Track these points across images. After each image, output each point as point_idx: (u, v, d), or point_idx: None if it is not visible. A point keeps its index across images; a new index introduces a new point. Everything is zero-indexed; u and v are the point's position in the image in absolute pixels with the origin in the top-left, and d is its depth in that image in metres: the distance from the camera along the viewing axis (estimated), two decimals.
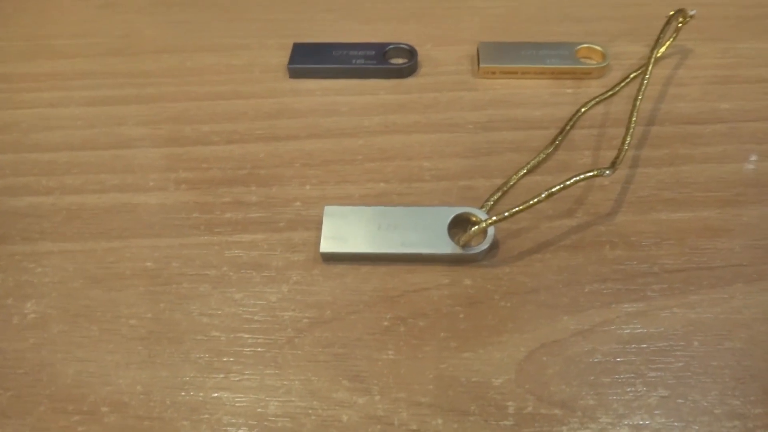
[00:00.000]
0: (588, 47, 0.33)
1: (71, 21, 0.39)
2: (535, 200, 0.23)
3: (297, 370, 0.22)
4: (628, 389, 0.21)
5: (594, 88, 0.32)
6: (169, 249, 0.26)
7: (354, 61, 0.33)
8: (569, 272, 0.24)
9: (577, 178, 0.24)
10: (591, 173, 0.24)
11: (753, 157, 0.28)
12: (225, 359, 0.23)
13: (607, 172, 0.24)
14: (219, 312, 0.24)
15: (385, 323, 0.23)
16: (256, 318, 0.24)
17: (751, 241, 0.25)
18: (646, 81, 0.28)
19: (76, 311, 0.24)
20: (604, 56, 0.33)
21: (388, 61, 0.33)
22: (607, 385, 0.21)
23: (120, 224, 0.27)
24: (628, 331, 0.23)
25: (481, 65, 0.32)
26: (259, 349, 0.23)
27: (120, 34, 0.37)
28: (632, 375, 0.21)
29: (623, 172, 0.28)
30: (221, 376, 0.22)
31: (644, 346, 0.22)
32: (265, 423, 0.21)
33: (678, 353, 0.22)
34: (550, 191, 0.24)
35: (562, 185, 0.24)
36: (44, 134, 0.31)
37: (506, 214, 0.23)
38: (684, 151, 0.29)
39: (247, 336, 0.23)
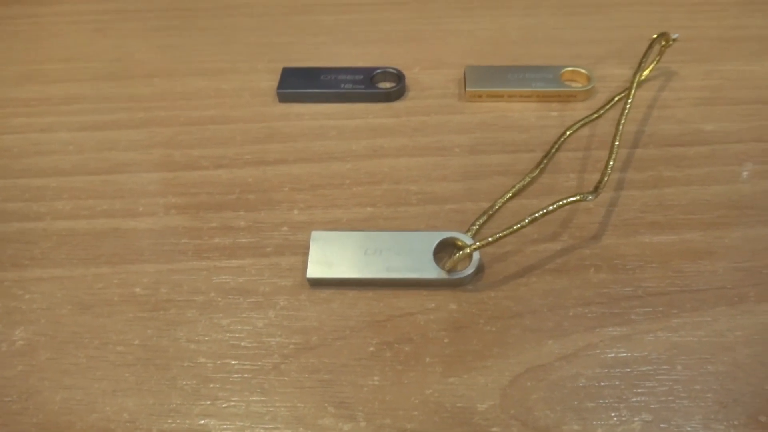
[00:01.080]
0: (573, 70, 0.34)
1: (64, 45, 0.39)
2: (519, 225, 0.24)
3: (283, 397, 0.22)
4: (612, 414, 0.21)
5: (579, 110, 0.32)
6: (157, 274, 0.26)
7: (342, 86, 0.33)
8: (554, 296, 0.24)
9: (560, 203, 0.24)
10: (574, 198, 0.24)
11: (746, 171, 0.29)
12: (211, 386, 0.23)
13: (590, 197, 0.25)
14: (206, 338, 0.24)
15: (371, 348, 0.23)
16: (242, 344, 0.24)
17: (734, 264, 0.25)
18: (628, 105, 0.29)
19: (64, 338, 0.24)
20: (589, 79, 0.33)
21: (376, 85, 0.34)
22: (591, 410, 0.21)
23: (109, 250, 0.27)
24: (612, 355, 0.23)
25: (467, 89, 0.33)
26: (245, 375, 0.23)
27: (112, 59, 0.38)
28: (616, 399, 0.22)
29: (608, 194, 0.28)
30: (207, 402, 0.22)
31: (628, 370, 0.22)
32: None
33: (661, 377, 0.22)
34: (533, 216, 0.24)
35: (545, 210, 0.24)
36: (35, 159, 0.31)
37: (490, 239, 0.24)
38: (668, 174, 0.29)
39: (233, 362, 0.23)
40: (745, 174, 0.28)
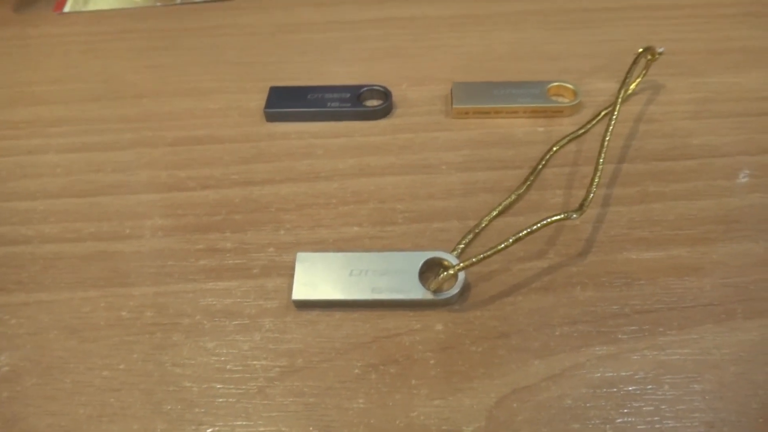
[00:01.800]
0: (559, 85, 0.34)
1: (52, 67, 0.39)
2: (503, 245, 0.24)
3: (267, 421, 0.22)
4: None
5: (566, 126, 0.32)
6: (143, 298, 0.26)
7: (329, 104, 0.33)
8: (540, 315, 0.24)
9: (545, 222, 0.24)
10: (558, 217, 0.24)
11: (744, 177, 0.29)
12: (196, 410, 0.22)
13: (575, 215, 0.25)
14: (191, 362, 0.24)
15: (356, 371, 0.23)
16: (227, 367, 0.24)
17: (721, 280, 0.25)
18: (613, 120, 0.29)
19: (50, 363, 0.24)
20: (575, 94, 0.33)
21: (363, 103, 0.34)
22: None
23: (96, 273, 0.27)
24: (599, 374, 0.23)
25: (454, 106, 0.33)
26: (230, 400, 0.23)
27: (99, 80, 0.38)
28: (602, 421, 0.21)
29: (594, 211, 0.28)
30: (192, 428, 0.22)
31: (614, 390, 0.22)
32: None
33: (648, 397, 0.22)
34: (517, 236, 0.24)
35: (529, 230, 0.24)
36: (22, 182, 0.31)
37: (474, 259, 0.24)
38: (654, 189, 0.29)
39: (218, 386, 0.23)
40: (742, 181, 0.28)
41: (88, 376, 0.24)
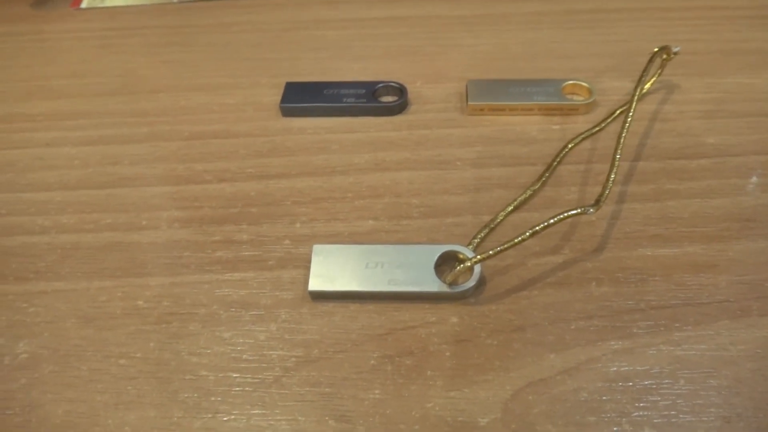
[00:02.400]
0: (574, 83, 0.34)
1: (69, 61, 0.40)
2: (520, 238, 0.24)
3: (284, 410, 0.22)
4: (614, 429, 0.21)
5: (581, 124, 0.33)
6: (160, 288, 0.26)
7: (345, 100, 0.33)
8: (555, 309, 0.24)
9: (562, 216, 0.24)
10: (575, 211, 0.24)
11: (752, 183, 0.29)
12: (213, 399, 0.23)
13: (591, 209, 0.25)
14: (208, 351, 0.24)
15: (372, 362, 0.23)
16: (244, 357, 0.24)
17: (736, 277, 0.25)
18: (630, 118, 0.29)
19: (67, 351, 0.24)
20: (590, 92, 0.33)
21: (378, 99, 0.34)
22: (592, 425, 0.21)
23: (113, 263, 0.27)
24: (614, 369, 0.23)
25: (469, 102, 0.33)
26: (246, 389, 0.23)
27: (117, 74, 0.38)
28: (618, 414, 0.21)
29: (609, 207, 0.28)
30: (209, 416, 0.22)
31: (630, 384, 0.22)
32: None
33: (664, 391, 0.22)
34: (534, 229, 0.24)
35: (546, 223, 0.24)
36: (39, 174, 0.32)
37: (491, 252, 0.24)
38: (670, 186, 0.29)
39: (235, 375, 0.23)
40: (750, 184, 0.28)
41: (105, 364, 0.24)
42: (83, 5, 0.45)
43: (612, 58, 0.37)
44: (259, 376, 0.23)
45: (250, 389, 0.23)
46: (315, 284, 0.25)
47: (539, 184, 0.29)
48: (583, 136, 0.31)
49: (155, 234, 0.28)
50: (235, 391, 0.23)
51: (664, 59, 0.33)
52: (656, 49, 0.33)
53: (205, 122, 0.34)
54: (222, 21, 0.42)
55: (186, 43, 0.41)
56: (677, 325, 0.24)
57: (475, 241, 0.26)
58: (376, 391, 0.22)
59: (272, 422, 0.22)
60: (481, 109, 0.33)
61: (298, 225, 0.28)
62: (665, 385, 0.22)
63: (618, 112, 0.32)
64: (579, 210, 0.24)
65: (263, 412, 0.22)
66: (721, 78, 0.35)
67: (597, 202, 0.25)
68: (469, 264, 0.24)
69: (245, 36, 0.41)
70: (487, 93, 0.33)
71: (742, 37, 0.38)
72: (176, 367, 0.24)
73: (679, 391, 0.22)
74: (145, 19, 0.43)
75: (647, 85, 0.33)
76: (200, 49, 0.40)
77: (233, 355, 0.24)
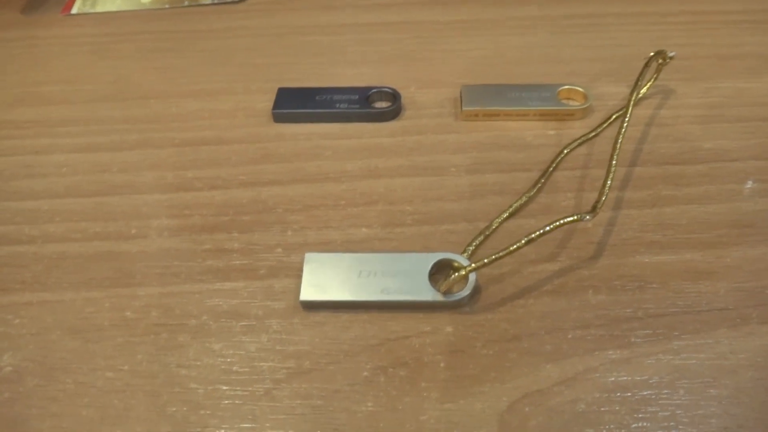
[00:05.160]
0: (570, 88, 0.33)
1: (60, 68, 0.39)
2: (515, 246, 0.23)
3: (274, 423, 0.22)
4: None
5: (576, 129, 0.32)
6: (148, 298, 0.26)
7: (338, 105, 0.33)
8: (552, 318, 0.24)
9: (557, 223, 0.24)
10: (571, 218, 0.24)
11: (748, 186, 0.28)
12: (201, 412, 0.22)
13: (588, 216, 0.24)
14: (197, 363, 0.23)
15: (365, 373, 0.23)
16: (234, 369, 0.23)
17: (735, 284, 0.25)
18: (626, 123, 0.28)
19: (53, 364, 0.24)
20: (585, 97, 0.33)
21: (372, 104, 0.34)
22: None
23: (101, 273, 0.27)
24: (612, 379, 0.22)
25: (463, 108, 0.33)
26: (236, 402, 0.22)
27: (108, 81, 0.38)
28: (616, 426, 0.21)
29: (606, 214, 0.28)
30: (197, 430, 0.22)
31: (628, 394, 0.22)
32: None
33: (663, 402, 0.21)
34: (529, 237, 0.23)
35: (542, 231, 0.24)
36: (27, 182, 0.31)
37: (486, 260, 0.23)
38: (666, 192, 0.29)
39: (224, 388, 0.23)
40: (747, 189, 0.28)
41: (91, 377, 0.23)
42: (74, 11, 0.44)
43: (608, 63, 0.37)
44: (249, 388, 0.23)
45: (240, 402, 0.22)
46: (307, 294, 0.24)
47: (535, 191, 0.29)
48: (578, 141, 0.31)
49: (144, 243, 0.28)
50: (224, 404, 0.22)
51: (659, 64, 0.33)
52: (652, 54, 0.33)
53: (197, 129, 0.34)
54: (214, 26, 0.42)
55: (178, 48, 0.40)
56: (676, 333, 0.23)
57: (470, 248, 0.26)
58: (369, 404, 0.22)
59: None
60: (476, 115, 0.33)
61: (290, 233, 0.28)
62: (664, 396, 0.22)
63: (614, 117, 0.32)
64: (575, 217, 0.24)
65: (253, 425, 0.22)
66: (717, 83, 0.35)
67: (593, 209, 0.25)
68: (463, 272, 0.24)
69: (238, 41, 0.40)
70: (482, 98, 0.33)
71: (738, 41, 0.38)
72: (165, 380, 0.23)
73: (678, 402, 0.21)
74: (136, 24, 0.43)
75: (643, 90, 0.33)
76: (192, 54, 0.40)
77: (223, 367, 0.23)
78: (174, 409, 0.22)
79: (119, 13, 0.44)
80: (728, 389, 0.22)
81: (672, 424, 0.21)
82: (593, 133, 0.31)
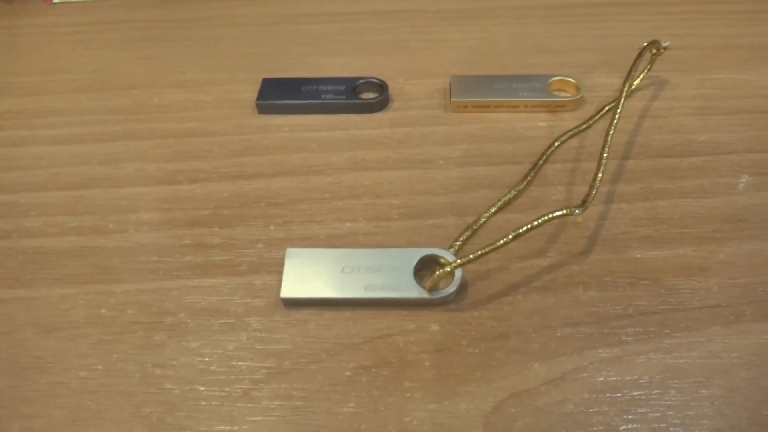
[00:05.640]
0: (561, 80, 0.33)
1: (42, 58, 0.38)
2: (503, 241, 0.23)
3: (252, 425, 0.21)
4: None
5: (568, 121, 0.31)
6: (125, 295, 0.25)
7: (324, 96, 0.32)
8: (540, 316, 0.23)
9: (546, 217, 0.23)
10: (560, 212, 0.23)
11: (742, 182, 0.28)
12: (177, 414, 0.21)
13: (577, 210, 0.24)
14: (174, 362, 0.23)
15: (347, 373, 0.22)
16: (211, 368, 0.22)
17: (728, 280, 0.24)
18: (617, 115, 0.28)
19: (25, 363, 0.23)
20: (577, 88, 0.32)
21: (359, 95, 0.33)
22: None
23: (76, 269, 0.26)
24: (602, 378, 0.21)
25: (452, 99, 0.32)
26: (213, 403, 0.22)
27: (89, 70, 0.37)
28: (605, 427, 0.20)
29: (597, 208, 0.27)
30: None
31: (618, 395, 0.21)
32: None
33: (654, 402, 0.21)
34: (517, 232, 0.23)
35: (530, 225, 0.23)
36: (3, 175, 0.30)
37: (472, 256, 0.23)
38: (659, 186, 0.28)
39: (202, 388, 0.22)
40: (742, 183, 0.27)
41: (64, 377, 0.23)
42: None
43: (601, 54, 0.36)
44: (226, 389, 0.22)
45: (217, 403, 0.21)
46: (288, 290, 0.24)
47: (524, 184, 0.28)
48: (570, 133, 0.30)
49: (122, 238, 0.27)
50: (201, 405, 0.21)
51: (653, 54, 0.32)
52: (645, 44, 0.32)
53: (180, 120, 0.33)
54: (200, 15, 0.41)
55: (163, 37, 0.39)
56: (667, 331, 0.23)
57: (457, 244, 0.25)
58: (351, 405, 0.21)
59: None
60: (465, 106, 0.32)
61: (272, 227, 0.27)
62: (655, 396, 0.21)
63: (606, 108, 0.31)
64: (564, 211, 0.23)
65: (230, 428, 0.21)
66: (712, 74, 0.34)
67: (583, 203, 0.24)
68: (449, 268, 0.23)
69: (224, 30, 0.39)
70: (472, 89, 0.32)
71: (734, 32, 0.37)
72: (140, 380, 0.22)
73: (669, 402, 0.21)
74: (120, 13, 0.42)
75: (636, 81, 0.32)
76: (177, 44, 0.39)
77: (200, 366, 0.22)
78: (149, 410, 0.21)
79: (103, 1, 0.43)
80: (721, 389, 0.21)
81: (663, 425, 0.20)
82: (585, 125, 0.31)
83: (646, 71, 0.32)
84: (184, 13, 0.41)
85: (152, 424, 0.21)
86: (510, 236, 0.23)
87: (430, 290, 0.23)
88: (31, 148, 0.32)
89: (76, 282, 0.25)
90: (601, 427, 0.20)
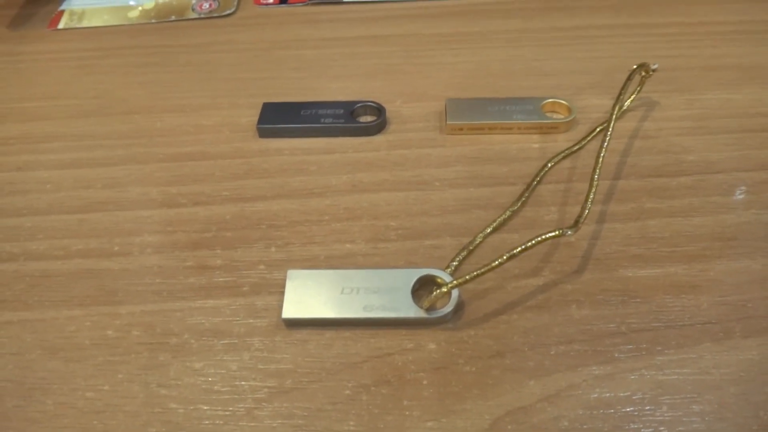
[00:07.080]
0: (554, 101, 0.34)
1: (44, 84, 0.39)
2: (497, 262, 0.23)
3: None
4: None
5: (561, 142, 0.32)
6: (130, 316, 0.25)
7: (323, 120, 0.33)
8: (535, 334, 0.24)
9: (539, 238, 0.24)
10: (553, 233, 0.24)
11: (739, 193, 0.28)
12: None
13: (569, 231, 0.24)
14: (178, 383, 0.23)
15: (347, 392, 0.23)
16: (215, 388, 0.23)
17: (718, 298, 0.25)
18: (608, 136, 0.28)
19: (33, 384, 0.23)
20: (569, 110, 0.33)
21: (357, 119, 0.34)
22: None
23: (82, 291, 0.26)
24: (595, 395, 0.22)
25: (448, 122, 0.33)
26: (217, 422, 0.22)
27: (92, 96, 0.38)
28: None
29: (590, 228, 0.28)
30: None
31: (611, 411, 0.22)
32: None
33: (646, 419, 0.21)
34: (511, 253, 0.23)
35: (524, 246, 0.24)
36: (9, 199, 0.31)
37: (468, 276, 0.23)
38: (650, 205, 0.29)
39: (205, 407, 0.22)
40: (738, 198, 0.28)
41: (71, 397, 0.23)
42: (60, 26, 0.44)
43: (593, 76, 0.37)
44: (230, 408, 0.22)
45: (221, 422, 0.22)
46: (289, 311, 0.24)
47: (519, 205, 0.29)
48: (563, 154, 0.31)
49: (127, 260, 0.28)
50: (204, 424, 0.22)
51: (643, 76, 0.33)
52: (635, 66, 0.33)
53: (181, 144, 0.33)
54: (200, 41, 0.42)
55: (164, 63, 0.40)
56: (659, 348, 0.23)
57: (453, 264, 0.26)
58: (351, 423, 0.22)
59: None
60: (460, 129, 0.33)
61: (273, 249, 0.28)
62: (647, 412, 0.22)
63: (597, 129, 0.32)
64: (557, 232, 0.24)
65: None
66: (701, 94, 0.35)
67: (576, 224, 0.25)
68: (446, 289, 0.24)
69: (224, 56, 0.40)
70: (466, 112, 0.33)
71: (722, 52, 0.38)
72: (145, 400, 0.23)
73: (661, 418, 0.21)
74: (122, 39, 0.43)
75: (627, 103, 0.33)
76: (178, 69, 0.39)
77: (204, 386, 0.23)
78: (154, 429, 0.22)
79: (106, 27, 0.44)
80: (712, 405, 0.22)
81: None
82: (577, 146, 0.31)
83: (636, 93, 0.33)
84: (184, 39, 0.42)
85: None
86: (505, 257, 0.23)
87: (428, 310, 0.24)
88: (36, 172, 0.32)
89: (82, 304, 0.26)
90: None
